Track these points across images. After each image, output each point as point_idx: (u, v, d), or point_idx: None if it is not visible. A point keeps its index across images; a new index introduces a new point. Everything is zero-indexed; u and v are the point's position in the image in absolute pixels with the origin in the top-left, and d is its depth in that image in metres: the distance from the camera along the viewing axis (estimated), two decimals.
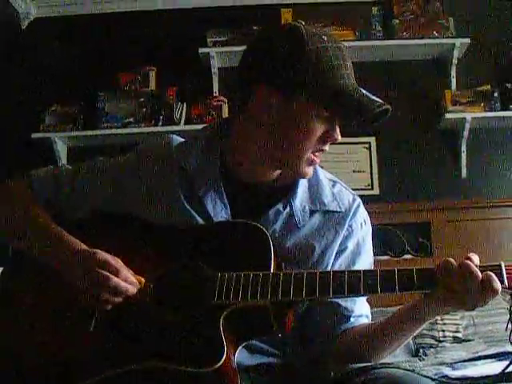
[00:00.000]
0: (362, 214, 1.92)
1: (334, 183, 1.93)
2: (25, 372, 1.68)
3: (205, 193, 1.80)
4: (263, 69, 1.73)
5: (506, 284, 1.53)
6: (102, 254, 1.64)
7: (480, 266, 1.54)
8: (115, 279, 1.60)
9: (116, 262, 1.64)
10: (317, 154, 1.76)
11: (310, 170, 1.78)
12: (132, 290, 1.64)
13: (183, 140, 1.93)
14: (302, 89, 1.68)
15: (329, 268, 1.81)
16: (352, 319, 1.84)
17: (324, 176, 1.92)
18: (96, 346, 1.65)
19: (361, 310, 1.86)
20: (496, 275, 1.52)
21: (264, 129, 1.75)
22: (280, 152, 1.75)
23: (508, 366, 1.65)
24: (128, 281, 1.63)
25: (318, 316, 1.82)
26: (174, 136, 1.95)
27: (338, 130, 1.74)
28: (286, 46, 1.70)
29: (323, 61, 1.67)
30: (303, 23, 1.74)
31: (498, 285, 1.51)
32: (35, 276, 1.80)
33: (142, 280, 1.67)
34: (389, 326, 1.76)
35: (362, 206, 1.92)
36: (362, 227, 1.90)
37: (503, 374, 1.68)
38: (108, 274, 1.60)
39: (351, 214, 1.88)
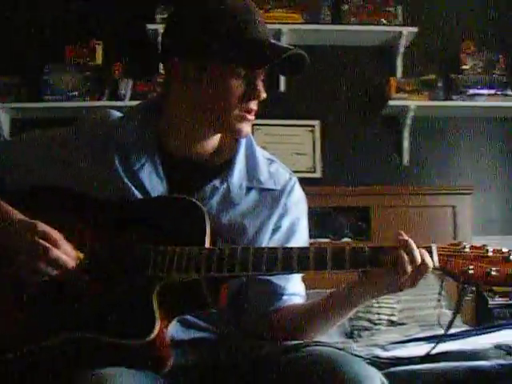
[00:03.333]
0: (297, 193, 1.94)
1: (271, 162, 1.95)
2: None
3: (140, 167, 1.80)
4: (172, 44, 1.79)
5: (437, 265, 1.58)
6: (43, 226, 1.62)
7: None
8: (56, 251, 1.59)
9: (56, 234, 1.63)
10: (246, 113, 1.78)
11: (244, 127, 1.80)
12: (71, 263, 1.62)
13: (120, 115, 1.93)
14: (209, 53, 1.72)
15: (263, 246, 1.83)
16: (285, 297, 1.85)
17: (261, 154, 1.94)
18: (28, 318, 1.64)
19: (294, 289, 1.88)
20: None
21: (188, 99, 1.78)
22: (206, 117, 1.78)
23: (433, 348, 1.70)
24: (67, 254, 1.63)
25: (251, 293, 1.84)
26: (112, 111, 1.95)
27: (260, 87, 1.76)
28: (188, 16, 1.76)
29: (225, 20, 1.71)
30: None
31: (428, 259, 1.56)
32: None
33: (81, 255, 1.66)
34: (320, 307, 1.79)
35: (297, 185, 1.94)
36: (297, 206, 1.92)
37: (428, 355, 1.73)
38: (49, 245, 1.59)
39: (286, 193, 1.89)
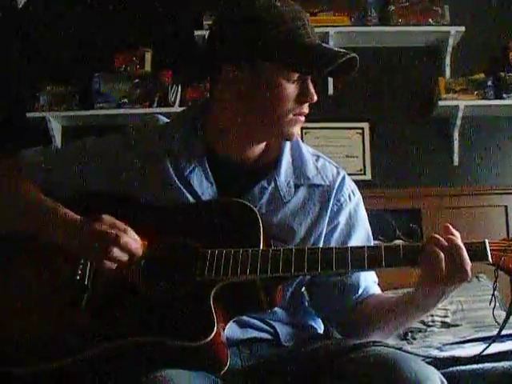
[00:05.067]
0: (349, 186, 1.94)
1: (318, 157, 1.96)
2: (15, 346, 1.70)
3: (190, 172, 1.83)
4: (222, 49, 1.78)
5: (490, 260, 1.59)
6: (110, 217, 1.67)
7: (465, 243, 1.60)
8: (126, 237, 1.64)
9: (122, 223, 1.67)
10: (299, 116, 1.79)
11: (294, 131, 1.81)
12: (140, 249, 1.67)
13: (167, 120, 1.96)
14: (264, 57, 1.72)
15: (320, 243, 1.84)
16: (360, 290, 1.88)
17: (307, 151, 1.95)
18: (86, 322, 1.67)
19: (366, 281, 1.90)
20: (481, 252, 1.59)
21: (239, 104, 1.79)
22: (260, 122, 1.79)
23: (487, 348, 1.70)
24: (136, 240, 1.66)
25: (326, 290, 1.87)
26: (159, 116, 1.98)
27: (311, 90, 1.77)
28: (242, 21, 1.75)
29: (279, 25, 1.72)
30: None
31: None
32: (25, 253, 1.81)
33: (145, 242, 1.70)
34: (396, 305, 1.80)
35: (347, 178, 1.95)
36: (350, 199, 1.93)
37: (484, 355, 1.72)
38: (118, 231, 1.63)
39: (336, 187, 1.91)
